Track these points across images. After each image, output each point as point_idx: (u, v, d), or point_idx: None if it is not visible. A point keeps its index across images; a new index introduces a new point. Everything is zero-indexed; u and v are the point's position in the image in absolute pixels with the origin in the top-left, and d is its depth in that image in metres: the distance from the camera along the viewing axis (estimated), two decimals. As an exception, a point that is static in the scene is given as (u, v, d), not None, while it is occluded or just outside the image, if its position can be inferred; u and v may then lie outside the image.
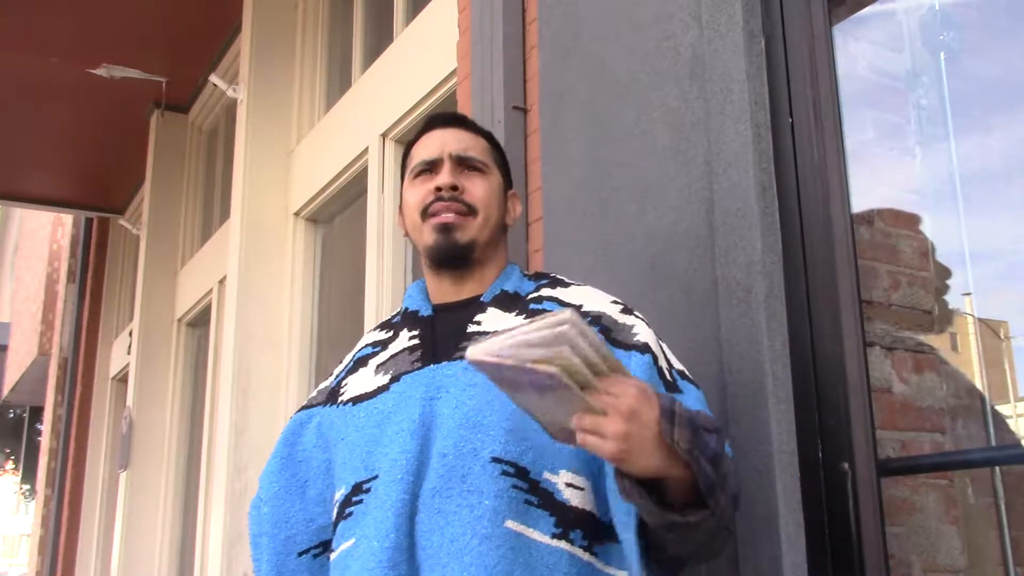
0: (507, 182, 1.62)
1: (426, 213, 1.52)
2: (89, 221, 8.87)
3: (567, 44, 2.35)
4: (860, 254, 1.71)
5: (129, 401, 6.58)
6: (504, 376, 1.14)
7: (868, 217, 1.96)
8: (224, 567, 4.33)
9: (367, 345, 1.60)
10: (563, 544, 1.31)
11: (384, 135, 3.86)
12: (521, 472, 1.33)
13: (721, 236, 1.76)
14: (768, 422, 1.57)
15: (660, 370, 1.37)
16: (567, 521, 1.32)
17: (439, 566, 1.29)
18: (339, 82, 4.76)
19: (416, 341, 1.50)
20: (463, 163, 1.55)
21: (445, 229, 1.50)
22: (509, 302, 1.49)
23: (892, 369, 1.89)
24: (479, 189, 1.53)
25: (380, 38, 4.30)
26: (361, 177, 4.08)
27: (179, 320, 6.60)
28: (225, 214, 5.42)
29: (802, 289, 1.67)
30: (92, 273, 8.62)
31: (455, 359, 1.42)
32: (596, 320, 1.41)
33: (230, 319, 4.64)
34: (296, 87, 4.96)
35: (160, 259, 6.69)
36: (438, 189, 1.51)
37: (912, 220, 2.04)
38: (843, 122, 1.71)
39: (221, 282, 5.45)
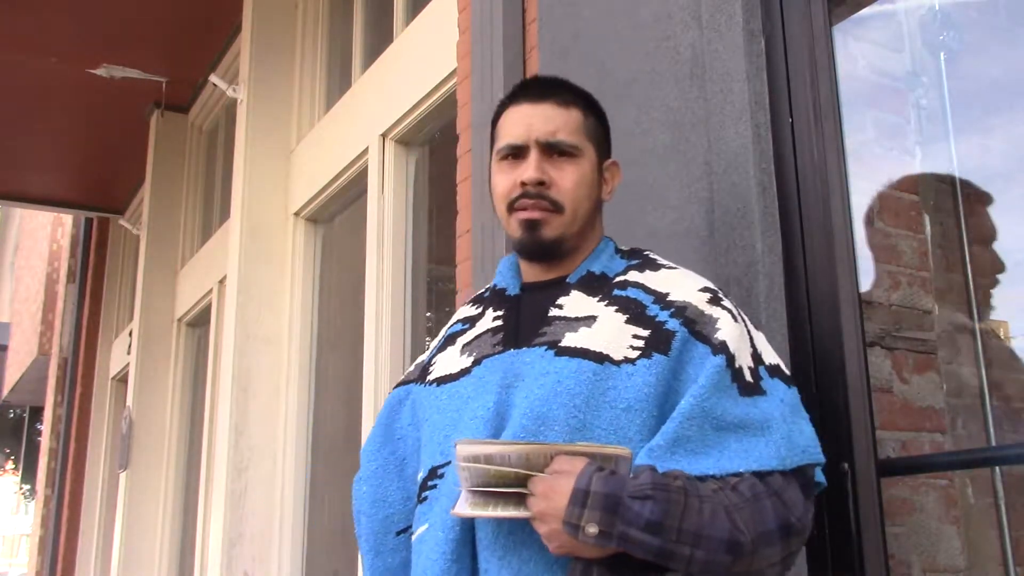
0: (604, 151, 1.52)
1: (512, 207, 1.45)
2: (89, 221, 8.87)
3: (567, 44, 2.35)
4: (860, 254, 1.71)
5: (129, 401, 6.58)
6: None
7: (868, 217, 1.96)
8: (224, 567, 4.33)
9: (458, 321, 1.55)
10: None
11: (384, 135, 3.86)
12: None
13: (721, 236, 1.76)
14: (768, 422, 1.57)
15: (737, 372, 1.30)
16: None
17: (496, 558, 1.27)
18: (339, 82, 4.76)
19: (499, 323, 1.46)
20: (551, 149, 1.45)
21: (531, 226, 1.43)
22: (594, 285, 1.43)
23: (892, 369, 1.89)
24: (567, 180, 1.44)
25: (380, 38, 4.30)
26: (361, 177, 4.08)
27: (179, 320, 6.60)
28: (225, 214, 5.42)
29: (802, 289, 1.67)
30: (92, 273, 8.62)
31: (534, 345, 1.37)
32: (680, 312, 1.34)
33: (230, 319, 4.64)
34: (296, 87, 4.96)
35: (160, 259, 6.69)
36: (523, 184, 1.43)
37: (912, 220, 2.04)
38: (843, 122, 1.71)
39: (221, 282, 5.45)
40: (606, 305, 1.38)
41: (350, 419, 4.01)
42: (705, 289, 1.39)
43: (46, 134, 7.05)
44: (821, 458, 1.30)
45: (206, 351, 6.05)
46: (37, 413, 14.65)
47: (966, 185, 2.05)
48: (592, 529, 1.16)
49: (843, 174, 1.68)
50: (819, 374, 1.62)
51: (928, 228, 2.05)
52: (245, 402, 4.50)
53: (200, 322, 6.46)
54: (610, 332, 1.34)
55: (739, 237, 1.72)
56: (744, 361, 1.31)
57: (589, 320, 1.36)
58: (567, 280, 1.45)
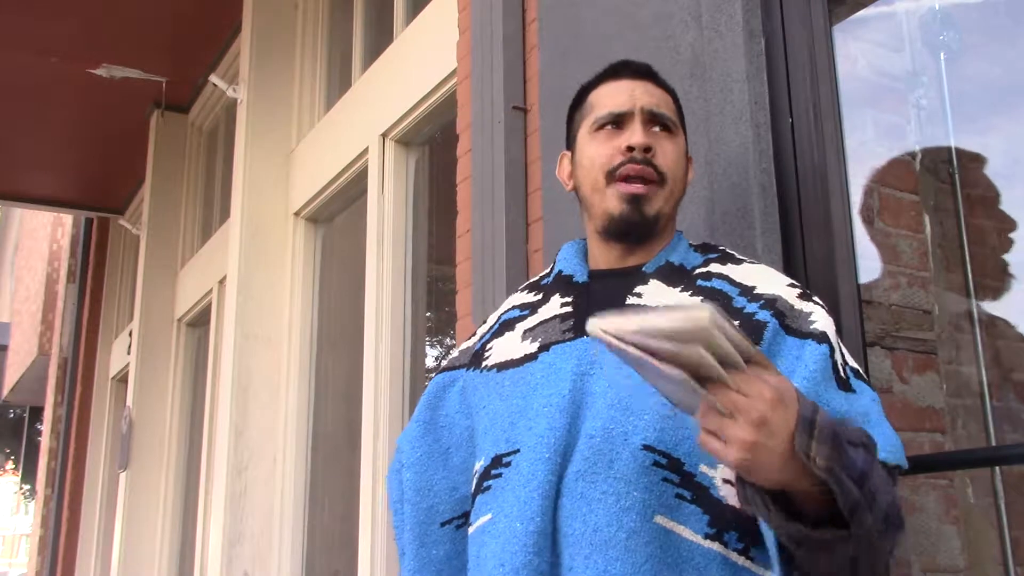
0: (686, 142, 1.48)
1: (613, 175, 1.38)
2: (89, 221, 8.87)
3: (567, 44, 2.35)
4: (860, 254, 1.71)
5: (129, 401, 6.58)
6: (626, 358, 1.01)
7: (868, 217, 1.96)
8: (224, 567, 4.33)
9: (513, 307, 1.48)
10: (716, 546, 1.20)
11: (384, 135, 3.86)
12: (674, 464, 1.22)
13: (721, 236, 1.76)
14: (768, 422, 1.57)
15: (835, 364, 1.23)
16: (722, 521, 1.21)
17: (581, 556, 1.20)
18: (339, 82, 4.76)
19: (569, 309, 1.38)
20: (655, 120, 1.40)
21: (635, 200, 1.36)
22: (674, 275, 1.36)
23: (892, 369, 1.89)
24: (670, 153, 1.39)
25: (380, 38, 4.30)
26: (361, 177, 4.08)
27: (179, 320, 6.60)
28: (225, 214, 5.42)
29: (802, 289, 1.66)
30: (92, 273, 8.61)
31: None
32: (770, 304, 1.28)
33: (230, 319, 4.64)
34: (296, 87, 4.96)
35: (160, 259, 6.69)
36: (630, 149, 1.36)
37: (912, 220, 2.04)
38: (843, 122, 1.71)
39: (221, 282, 5.45)
40: (691, 295, 1.32)
41: (350, 419, 4.01)
42: (793, 285, 1.32)
43: (46, 134, 7.05)
44: (904, 462, 1.22)
45: (206, 351, 6.05)
46: (37, 413, 14.64)
47: (965, 186, 2.05)
48: (822, 461, 1.02)
49: (843, 174, 1.68)
50: (819, 374, 1.62)
51: (928, 228, 2.05)
52: (245, 402, 4.50)
53: (200, 322, 6.45)
54: None
55: (739, 237, 1.72)
56: (838, 357, 1.25)
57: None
58: (643, 269, 1.38)
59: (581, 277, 1.42)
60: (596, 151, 1.41)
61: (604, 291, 1.38)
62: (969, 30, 2.09)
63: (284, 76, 4.95)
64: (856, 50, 2.01)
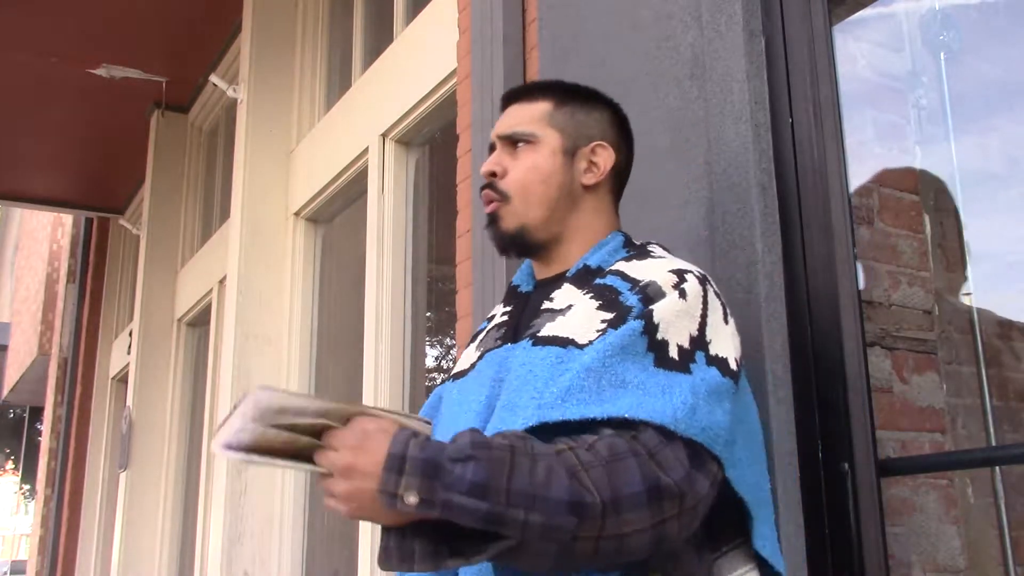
0: (584, 137, 1.49)
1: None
2: (89, 221, 8.87)
3: (567, 44, 2.35)
4: (860, 254, 1.71)
5: (129, 401, 6.58)
6: (252, 462, 1.14)
7: (868, 217, 1.96)
8: (224, 567, 4.33)
9: (486, 319, 1.58)
10: None
11: (384, 135, 3.86)
12: None
13: (721, 236, 1.76)
14: (768, 422, 1.57)
15: (658, 343, 1.25)
16: None
17: None
18: (339, 82, 4.76)
19: (506, 318, 1.48)
20: (509, 141, 1.49)
21: (491, 220, 1.48)
22: (586, 277, 1.41)
23: (892, 369, 1.89)
24: (516, 168, 1.47)
25: (380, 38, 4.30)
26: (361, 177, 4.08)
27: (179, 320, 6.60)
28: (225, 214, 5.42)
29: (802, 289, 1.67)
30: (92, 273, 8.62)
31: (523, 338, 1.37)
32: (643, 290, 1.31)
33: (230, 319, 4.64)
34: (296, 87, 4.96)
35: (160, 259, 6.69)
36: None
37: (912, 220, 2.04)
38: (843, 122, 1.71)
39: (221, 282, 5.45)
40: (585, 294, 1.37)
41: (350, 419, 4.01)
42: (676, 272, 1.33)
43: (46, 134, 7.05)
44: (717, 450, 1.21)
45: (206, 351, 6.05)
46: (37, 413, 14.65)
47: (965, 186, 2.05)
48: (412, 498, 1.07)
49: (843, 174, 1.68)
50: (819, 374, 1.62)
51: (928, 228, 2.05)
52: (245, 402, 4.49)
53: (200, 322, 6.46)
54: (581, 318, 1.32)
55: (739, 237, 1.72)
56: (675, 338, 1.26)
57: (567, 309, 1.35)
58: (566, 274, 1.45)
59: (526, 287, 1.52)
60: None
61: (536, 299, 1.46)
62: (969, 30, 2.09)
63: (284, 76, 4.95)
64: (856, 50, 2.01)
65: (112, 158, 7.40)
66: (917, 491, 1.85)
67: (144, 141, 6.84)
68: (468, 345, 1.54)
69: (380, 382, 3.63)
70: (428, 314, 3.95)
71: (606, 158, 1.50)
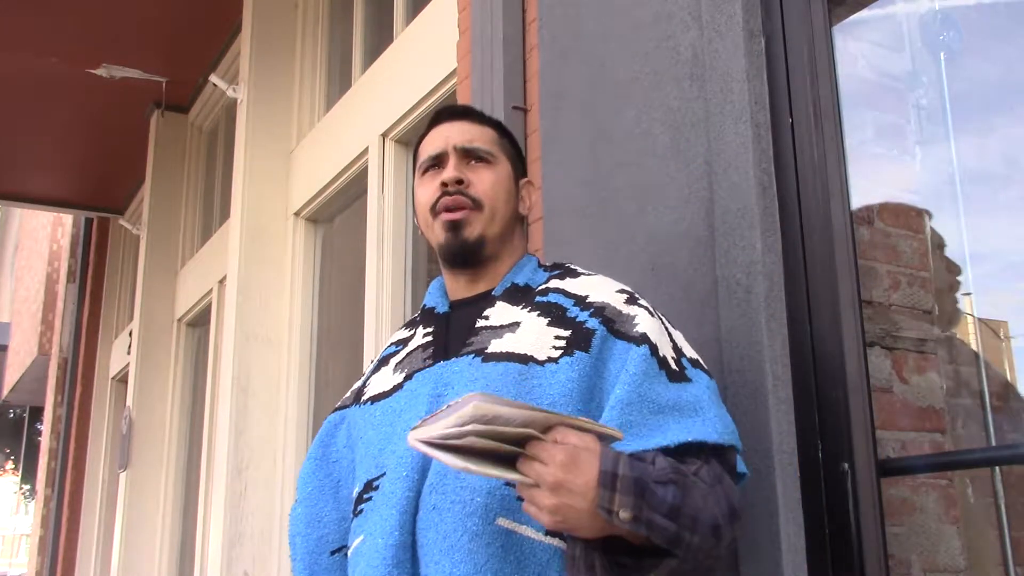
0: (520, 171, 1.61)
1: (435, 210, 1.52)
2: (89, 221, 8.87)
3: (567, 44, 2.35)
4: (860, 254, 1.71)
5: (129, 401, 6.58)
6: (441, 459, 1.16)
7: (868, 217, 1.96)
8: (224, 567, 4.33)
9: (391, 344, 1.61)
10: (556, 541, 1.28)
11: (384, 135, 3.86)
12: None
13: (721, 236, 1.76)
14: (768, 422, 1.57)
15: (662, 360, 1.35)
16: None
17: (433, 563, 1.28)
18: (339, 82, 4.76)
19: (430, 338, 1.50)
20: (469, 155, 1.53)
21: (454, 227, 1.49)
22: (518, 295, 1.48)
23: (892, 369, 1.89)
24: (485, 181, 1.51)
25: (380, 38, 4.30)
26: (361, 177, 4.08)
27: (179, 320, 6.60)
28: (225, 214, 5.42)
29: (802, 289, 1.67)
30: (92, 273, 8.62)
31: (462, 355, 1.41)
32: (599, 312, 1.39)
33: (230, 319, 4.64)
34: (296, 87, 4.95)
35: (160, 259, 6.69)
36: (444, 184, 1.50)
37: (912, 220, 2.04)
38: (843, 122, 1.71)
39: (221, 282, 5.45)
40: (528, 311, 1.43)
41: (350, 419, 4.01)
42: (622, 291, 1.44)
43: (46, 134, 7.05)
44: (740, 444, 1.35)
45: (206, 351, 6.05)
46: (37, 413, 14.65)
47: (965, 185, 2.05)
48: (626, 515, 1.15)
49: (843, 174, 1.68)
50: (819, 374, 1.62)
51: (928, 228, 2.05)
52: (245, 402, 4.50)
53: (200, 322, 6.46)
54: (533, 335, 1.38)
55: (739, 237, 1.72)
56: (667, 352, 1.36)
57: (513, 326, 1.41)
58: (492, 293, 1.50)
59: (442, 308, 1.55)
60: (421, 193, 1.56)
61: (460, 318, 1.50)
62: (969, 30, 2.09)
63: (284, 76, 4.95)
64: (856, 50, 2.01)
65: (112, 158, 7.40)
66: (917, 491, 1.85)
67: (144, 141, 6.84)
68: (376, 371, 1.57)
69: (380, 382, 3.63)
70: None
71: (533, 194, 1.62)
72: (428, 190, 1.54)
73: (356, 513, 1.43)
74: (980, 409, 1.99)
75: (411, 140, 3.86)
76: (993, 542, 1.93)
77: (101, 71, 5.92)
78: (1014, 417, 2.00)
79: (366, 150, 3.98)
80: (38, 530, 9.15)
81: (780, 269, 1.68)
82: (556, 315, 1.40)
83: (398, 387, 1.46)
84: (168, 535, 6.39)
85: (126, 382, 7.00)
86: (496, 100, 2.59)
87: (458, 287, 1.55)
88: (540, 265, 1.57)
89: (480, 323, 1.45)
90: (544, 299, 1.45)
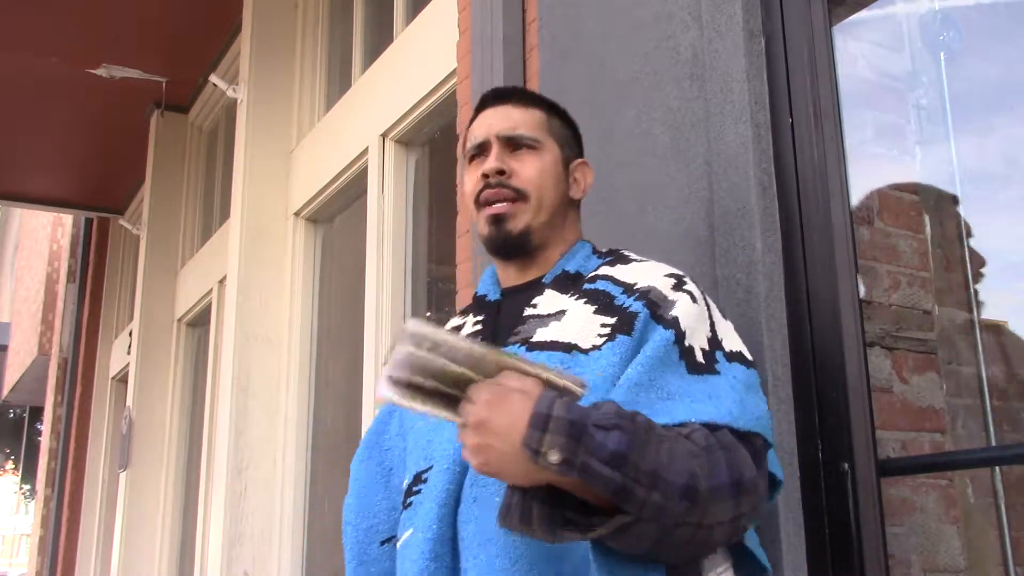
0: (573, 152, 1.55)
1: (478, 201, 1.48)
2: (89, 221, 8.87)
3: (567, 44, 2.35)
4: (860, 254, 1.71)
5: (129, 401, 6.58)
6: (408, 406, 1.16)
7: (868, 217, 1.96)
8: (224, 567, 4.33)
9: (451, 329, 1.56)
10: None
11: (384, 135, 3.86)
12: None
13: (721, 236, 1.76)
14: (768, 422, 1.57)
15: (686, 350, 1.29)
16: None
17: (472, 556, 1.27)
18: (339, 82, 4.76)
19: (479, 327, 1.48)
20: (511, 143, 1.48)
21: (497, 220, 1.45)
22: (568, 283, 1.44)
23: (892, 369, 1.89)
24: (529, 169, 1.46)
25: (380, 38, 4.30)
26: (361, 177, 4.08)
27: (179, 320, 6.60)
28: (225, 214, 5.42)
29: (802, 289, 1.67)
30: (92, 273, 8.62)
31: (508, 344, 1.38)
32: (644, 295, 1.34)
33: (230, 319, 4.64)
34: (296, 87, 4.96)
35: (160, 259, 6.69)
36: (485, 176, 1.46)
37: (912, 220, 2.04)
38: (843, 122, 1.71)
39: (221, 282, 5.45)
40: (576, 299, 1.39)
41: (350, 419, 4.01)
42: (671, 275, 1.38)
43: (46, 134, 7.05)
44: (770, 434, 1.27)
45: (206, 351, 6.05)
46: (37, 413, 14.65)
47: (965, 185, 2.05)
48: (554, 456, 1.08)
49: (843, 174, 1.68)
50: (819, 374, 1.62)
51: (928, 228, 2.05)
52: (245, 402, 4.50)
53: (200, 322, 6.46)
54: (579, 323, 1.34)
55: (739, 237, 1.72)
56: (697, 342, 1.30)
57: (559, 315, 1.37)
58: (543, 281, 1.46)
59: (493, 296, 1.52)
60: (467, 182, 1.52)
61: (510, 307, 1.47)
62: (969, 30, 2.09)
63: (284, 76, 4.95)
64: (856, 50, 2.02)
65: (112, 158, 7.40)
66: (917, 491, 1.85)
67: (144, 141, 6.84)
68: None
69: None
70: (428, 314, 3.95)
71: (588, 175, 1.55)
72: (471, 180, 1.49)
73: (406, 506, 1.41)
74: (980, 409, 1.99)
75: (411, 140, 3.87)
76: (993, 542, 1.93)
77: (101, 71, 5.92)
78: (1014, 417, 2.00)
79: (366, 150, 3.98)
80: (38, 530, 9.15)
81: (780, 269, 1.68)
82: (603, 303, 1.36)
83: None
84: (168, 535, 6.39)
85: (126, 382, 7.00)
86: (496, 100, 2.59)
87: (508, 275, 1.51)
88: (595, 251, 1.51)
89: (528, 312, 1.41)
90: (592, 287, 1.40)
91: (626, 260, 1.45)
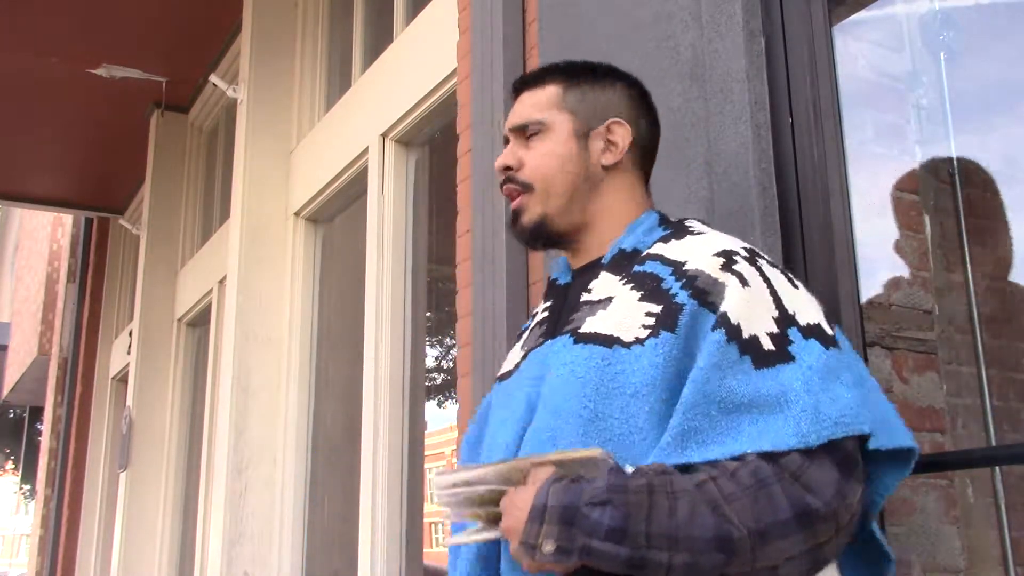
0: (598, 116, 1.43)
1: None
2: (89, 221, 8.87)
3: (567, 44, 2.35)
4: (860, 254, 1.71)
5: (129, 401, 6.58)
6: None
7: (868, 217, 1.96)
8: (224, 567, 4.33)
9: (531, 317, 1.52)
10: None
11: (384, 135, 3.86)
12: None
13: (721, 236, 1.75)
14: (768, 422, 1.57)
15: (748, 342, 1.16)
16: None
17: (507, 559, 1.22)
18: (339, 82, 4.76)
19: (546, 314, 1.42)
20: (523, 133, 1.44)
21: (514, 216, 1.43)
22: (623, 263, 1.33)
23: (892, 369, 1.89)
24: (532, 158, 1.41)
25: (380, 38, 4.30)
26: (361, 177, 4.08)
27: (179, 320, 6.60)
28: (225, 214, 5.42)
29: (802, 289, 1.66)
30: (92, 273, 8.62)
31: (562, 333, 1.31)
32: (691, 282, 1.23)
33: (230, 319, 4.64)
34: (296, 87, 4.96)
35: (160, 259, 6.69)
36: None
37: (912, 220, 2.04)
38: (843, 122, 1.71)
39: (221, 282, 5.45)
40: (624, 283, 1.29)
41: (350, 419, 4.01)
42: (721, 253, 1.25)
43: (46, 134, 7.05)
44: (861, 428, 1.12)
45: (206, 351, 6.05)
46: (37, 413, 14.65)
47: (967, 184, 2.05)
48: (548, 547, 1.07)
49: (843, 174, 1.68)
50: (819, 374, 1.62)
51: (928, 228, 2.05)
52: (245, 402, 4.50)
53: (200, 322, 6.46)
54: (623, 312, 1.25)
55: (739, 237, 1.71)
56: (761, 327, 1.17)
57: (608, 302, 1.28)
58: (602, 261, 1.38)
59: (564, 280, 1.45)
60: None
61: (576, 290, 1.39)
62: (969, 30, 2.09)
63: (284, 76, 4.95)
64: (856, 50, 2.01)
65: (112, 158, 7.40)
66: (917, 491, 1.85)
67: (144, 141, 6.84)
68: (513, 345, 1.49)
69: (380, 382, 3.63)
70: (428, 314, 3.95)
71: (623, 135, 1.43)
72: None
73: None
74: (980, 409, 1.99)
75: (411, 140, 3.86)
76: (993, 542, 1.93)
77: (101, 71, 5.92)
78: (1014, 417, 2.00)
79: (366, 150, 3.98)
80: (38, 530, 9.15)
81: (780, 269, 1.68)
82: (650, 287, 1.25)
83: (517, 366, 1.38)
84: (168, 535, 6.39)
85: (126, 382, 7.00)
86: (496, 100, 2.59)
87: (571, 259, 1.44)
88: (662, 222, 1.40)
89: (584, 297, 1.32)
90: (641, 268, 1.29)
91: (682, 233, 1.34)
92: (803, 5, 1.76)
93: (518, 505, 1.12)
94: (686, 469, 1.13)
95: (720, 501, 1.08)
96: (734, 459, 1.11)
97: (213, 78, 5.20)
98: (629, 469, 1.13)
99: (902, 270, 1.99)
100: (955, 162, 2.07)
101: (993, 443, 1.96)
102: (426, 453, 3.90)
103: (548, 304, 1.44)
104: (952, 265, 2.05)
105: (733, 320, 1.17)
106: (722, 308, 1.18)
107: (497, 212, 2.51)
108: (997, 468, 1.92)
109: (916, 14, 2.13)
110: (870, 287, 1.91)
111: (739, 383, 1.14)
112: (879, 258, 1.97)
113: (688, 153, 1.88)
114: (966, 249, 2.03)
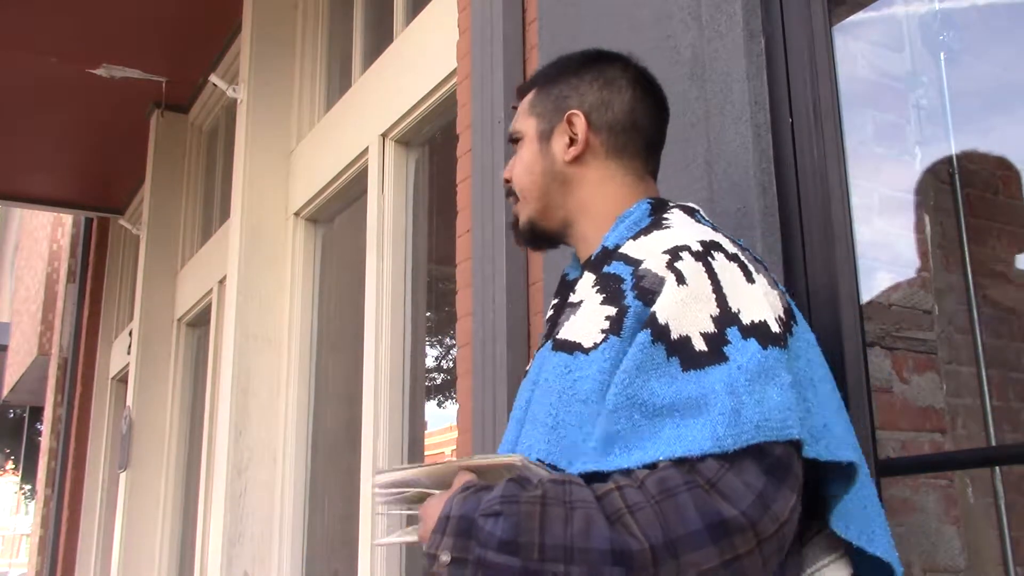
0: (555, 115, 1.40)
1: None
2: (89, 221, 8.87)
3: (567, 44, 2.35)
4: (860, 254, 1.71)
5: (129, 401, 6.58)
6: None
7: (868, 217, 1.96)
8: (224, 567, 4.33)
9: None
10: None
11: (384, 135, 3.86)
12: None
13: (721, 236, 1.75)
14: (768, 422, 1.57)
15: (677, 343, 1.10)
16: None
17: None
18: (339, 82, 4.76)
19: (551, 312, 1.42)
20: (513, 141, 1.49)
21: (513, 223, 1.49)
22: (599, 261, 1.29)
23: (892, 369, 1.89)
24: (516, 167, 1.46)
25: (380, 38, 4.30)
26: (361, 177, 4.08)
27: (179, 320, 6.60)
28: (225, 214, 5.42)
29: (802, 289, 1.67)
30: (92, 273, 8.62)
31: (549, 339, 1.29)
32: (639, 281, 1.18)
33: (230, 319, 4.64)
34: (296, 87, 4.96)
35: (160, 259, 6.69)
36: None
37: (912, 220, 2.04)
38: (843, 122, 1.71)
39: (221, 282, 5.45)
40: (593, 285, 1.25)
41: (350, 419, 4.01)
42: (669, 250, 1.18)
43: (46, 134, 7.05)
44: (789, 433, 1.05)
45: (206, 351, 6.05)
46: (37, 413, 14.65)
47: (967, 184, 2.05)
48: (444, 557, 1.04)
49: (843, 174, 1.68)
50: (819, 374, 1.62)
51: (928, 228, 2.05)
52: (245, 402, 4.50)
53: (200, 322, 6.46)
54: (586, 316, 1.21)
55: (739, 237, 1.72)
56: (693, 327, 1.11)
57: (578, 306, 1.24)
58: (590, 260, 1.34)
59: (573, 274, 1.44)
60: None
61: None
62: (969, 30, 2.09)
63: (284, 76, 4.95)
64: (856, 50, 2.01)
65: (112, 158, 7.40)
66: (917, 491, 1.85)
67: (144, 141, 6.84)
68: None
69: (380, 382, 3.63)
70: (428, 314, 3.95)
71: (579, 125, 1.38)
72: None
73: None
74: (980, 409, 1.99)
75: (411, 140, 3.87)
76: (993, 542, 1.93)
77: (101, 71, 5.92)
78: (1014, 417, 2.00)
79: (366, 150, 3.98)
80: (38, 530, 9.15)
81: (780, 269, 1.68)
82: (612, 289, 1.20)
83: (530, 366, 1.39)
84: (168, 535, 6.39)
85: (126, 382, 7.00)
86: (496, 100, 2.59)
87: (577, 252, 1.45)
88: (653, 212, 1.33)
89: (570, 297, 1.29)
90: (608, 269, 1.24)
91: (653, 227, 1.27)
92: (803, 5, 1.76)
93: (430, 513, 1.13)
94: (608, 476, 1.09)
95: (623, 511, 1.03)
96: (647, 466, 1.06)
97: (213, 78, 5.20)
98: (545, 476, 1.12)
99: (902, 270, 1.99)
100: (955, 162, 2.07)
101: (993, 443, 1.96)
102: (426, 453, 3.90)
103: (555, 302, 1.45)
104: (952, 265, 2.05)
105: (661, 320, 1.12)
106: (652, 308, 1.13)
107: (497, 212, 2.51)
108: (997, 468, 1.92)
109: (916, 14, 2.13)
110: (870, 287, 1.91)
111: (662, 385, 1.09)
112: (879, 258, 1.97)
113: (688, 153, 1.88)
114: (966, 249, 2.03)
